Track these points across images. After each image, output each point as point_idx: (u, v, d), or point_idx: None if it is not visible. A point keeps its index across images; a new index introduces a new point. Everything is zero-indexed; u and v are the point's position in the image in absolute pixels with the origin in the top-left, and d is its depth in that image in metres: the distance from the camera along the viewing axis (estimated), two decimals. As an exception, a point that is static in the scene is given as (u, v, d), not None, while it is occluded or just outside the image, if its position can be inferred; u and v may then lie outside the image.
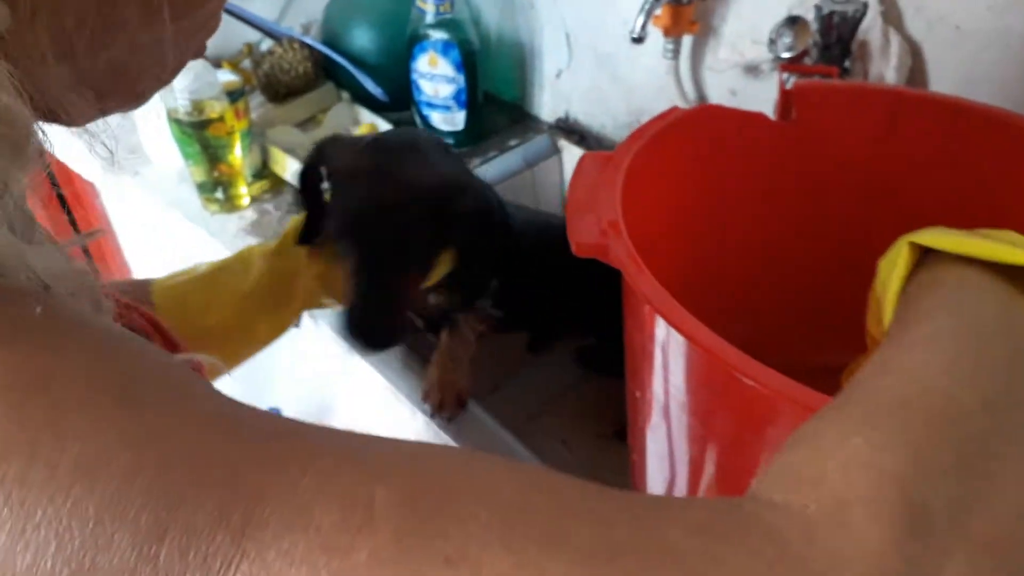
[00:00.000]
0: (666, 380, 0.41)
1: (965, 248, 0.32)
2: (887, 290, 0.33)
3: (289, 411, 1.45)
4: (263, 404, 1.39)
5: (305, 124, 1.01)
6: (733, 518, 0.22)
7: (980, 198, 0.52)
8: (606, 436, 0.69)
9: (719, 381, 0.37)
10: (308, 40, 1.00)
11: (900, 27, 0.67)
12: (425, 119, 0.97)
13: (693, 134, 0.50)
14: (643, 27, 0.74)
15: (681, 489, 0.46)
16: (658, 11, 0.75)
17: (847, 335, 0.60)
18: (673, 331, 0.36)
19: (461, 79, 0.93)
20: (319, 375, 1.03)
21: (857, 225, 0.55)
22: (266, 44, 1.08)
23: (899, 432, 0.24)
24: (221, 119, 0.85)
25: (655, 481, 0.50)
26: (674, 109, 0.50)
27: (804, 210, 0.55)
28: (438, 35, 0.90)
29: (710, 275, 0.54)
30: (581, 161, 0.45)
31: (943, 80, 0.66)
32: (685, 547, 0.20)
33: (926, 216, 0.54)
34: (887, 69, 0.67)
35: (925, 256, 0.34)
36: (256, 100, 1.00)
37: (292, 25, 1.12)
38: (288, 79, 0.98)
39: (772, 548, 0.21)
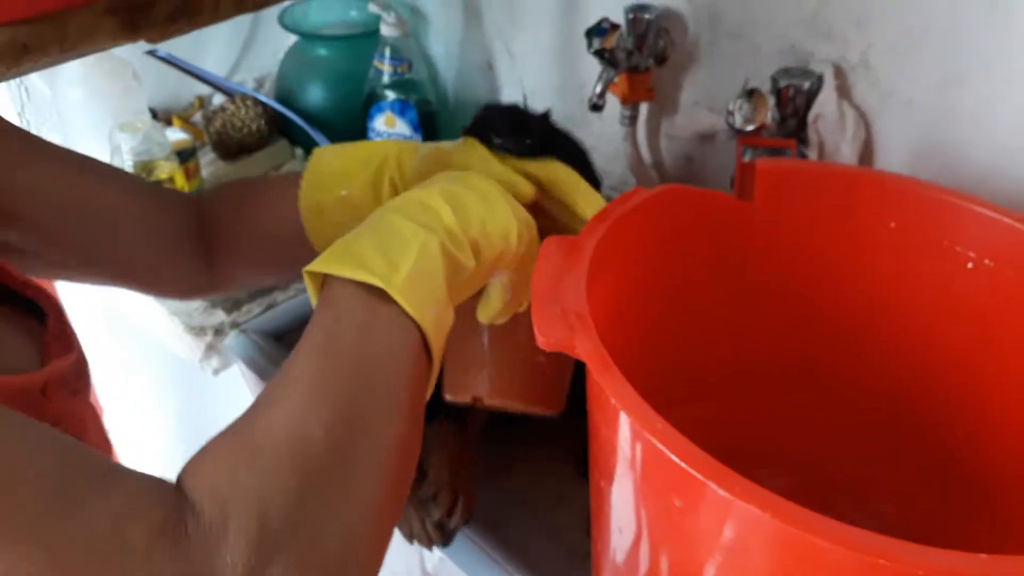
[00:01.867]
0: (632, 474, 0.40)
1: (319, 267, 0.40)
2: None
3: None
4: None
5: (258, 181, 0.99)
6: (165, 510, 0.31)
7: (928, 279, 0.52)
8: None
9: (686, 485, 0.36)
10: (262, 97, 0.98)
11: (854, 101, 0.68)
12: (381, 178, 0.95)
13: (656, 216, 0.50)
14: (601, 95, 0.74)
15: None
16: (616, 79, 0.75)
17: (817, 412, 0.60)
18: (639, 431, 0.35)
19: (419, 139, 0.92)
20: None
21: (818, 307, 0.56)
22: (218, 97, 1.06)
23: (267, 470, 0.33)
24: (171, 179, 0.83)
25: (612, 565, 0.48)
26: (637, 191, 0.49)
27: (767, 291, 0.55)
28: (395, 95, 0.90)
29: (676, 357, 0.53)
30: (545, 246, 0.44)
31: (896, 153, 0.68)
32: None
33: (880, 297, 0.55)
34: (842, 142, 0.69)
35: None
36: (207, 157, 0.98)
37: (245, 79, 1.11)
38: (241, 136, 0.96)
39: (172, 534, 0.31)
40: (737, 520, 0.34)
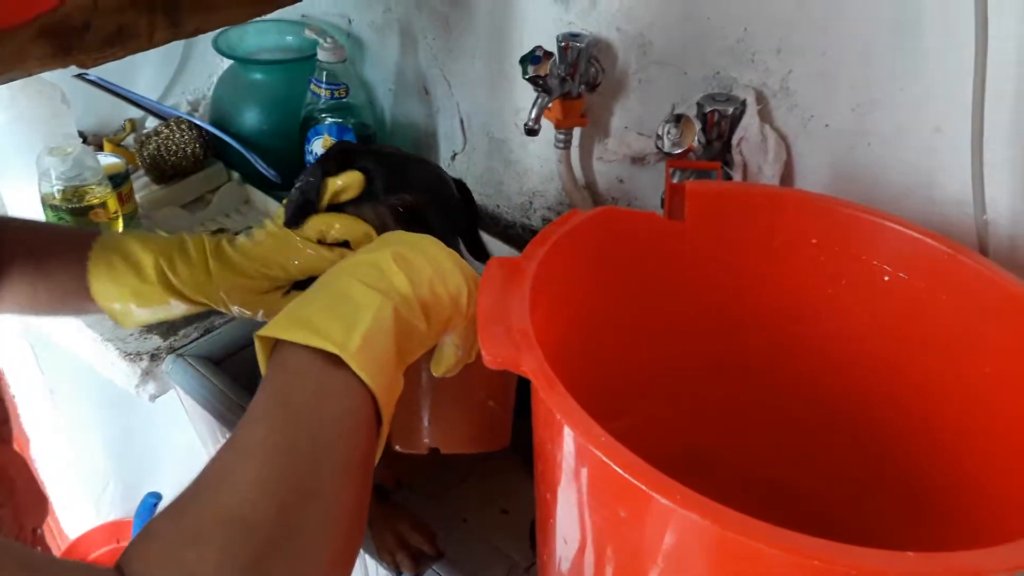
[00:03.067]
0: (578, 486, 0.42)
1: (272, 332, 0.40)
2: None
3: (170, 496, 1.37)
4: (142, 490, 1.31)
5: (192, 205, 0.98)
6: None
7: (848, 291, 0.55)
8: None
9: (631, 496, 0.37)
10: (197, 120, 0.98)
11: (775, 124, 0.71)
12: (319, 201, 0.96)
13: (592, 237, 0.51)
14: (536, 120, 0.76)
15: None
16: (550, 105, 0.77)
17: (750, 418, 0.63)
18: (584, 445, 0.37)
19: (356, 162, 0.92)
20: (200, 457, 0.97)
21: (747, 319, 0.58)
22: (151, 121, 1.05)
23: (218, 550, 0.33)
24: (103, 205, 0.82)
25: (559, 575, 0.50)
26: (574, 212, 0.51)
27: (699, 306, 0.58)
28: (333, 119, 0.90)
29: (614, 371, 0.55)
30: (488, 267, 0.46)
31: (815, 173, 0.71)
32: None
33: (805, 308, 0.58)
34: (765, 163, 0.72)
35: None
36: (141, 181, 0.97)
37: (178, 103, 1.10)
38: (175, 160, 0.95)
39: None
40: (680, 528, 0.36)
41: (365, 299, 0.41)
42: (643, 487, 0.35)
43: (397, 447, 0.55)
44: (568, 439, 0.40)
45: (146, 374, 0.80)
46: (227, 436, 0.73)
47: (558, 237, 0.49)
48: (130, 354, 0.80)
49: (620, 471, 0.35)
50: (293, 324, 0.40)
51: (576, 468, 0.41)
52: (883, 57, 0.63)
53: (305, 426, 0.38)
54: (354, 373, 0.39)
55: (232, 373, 0.79)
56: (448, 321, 0.46)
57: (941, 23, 0.59)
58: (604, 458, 0.36)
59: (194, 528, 0.34)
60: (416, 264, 0.44)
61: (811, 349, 0.58)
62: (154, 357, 0.80)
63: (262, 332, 0.40)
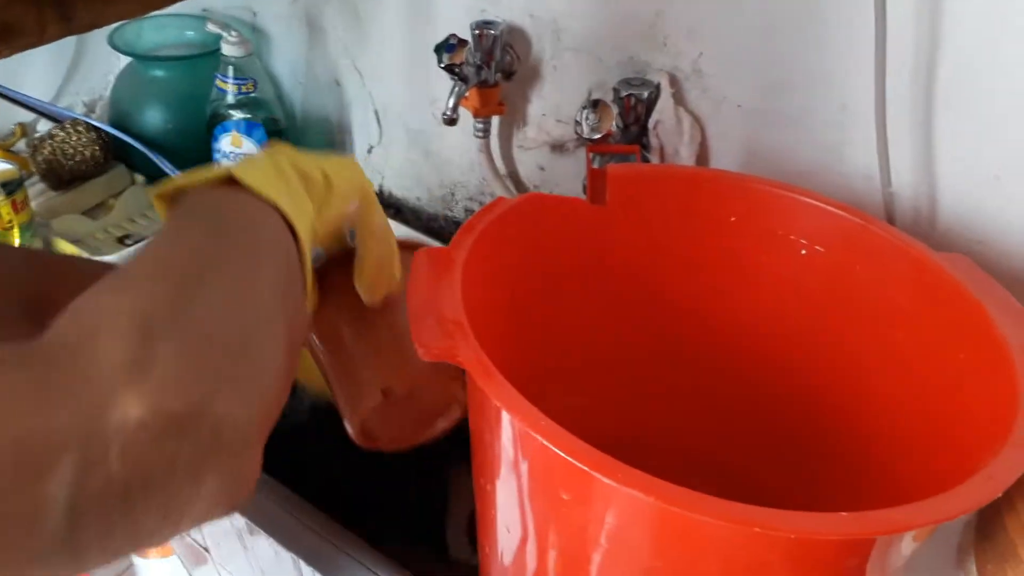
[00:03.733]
0: (518, 473, 0.42)
1: (162, 189, 0.40)
2: None
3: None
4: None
5: (94, 211, 0.93)
6: (21, 352, 0.28)
7: (768, 266, 0.57)
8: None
9: (573, 478, 0.37)
10: (95, 122, 0.93)
11: (689, 107, 0.73)
12: (232, 201, 0.93)
13: (519, 224, 0.51)
14: (454, 109, 0.75)
15: (528, 574, 0.47)
16: (467, 93, 0.77)
17: (680, 395, 0.64)
18: (525, 431, 0.37)
19: (269, 159, 0.90)
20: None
21: (673, 298, 0.59)
22: (44, 124, 0.99)
23: (141, 279, 0.31)
24: (-3, 214, 0.77)
25: (500, 567, 0.49)
26: (500, 200, 0.51)
27: (625, 287, 0.58)
28: (241, 115, 0.88)
29: (546, 356, 0.55)
30: (417, 258, 0.45)
31: (730, 153, 0.73)
32: None
33: (728, 285, 0.59)
34: (680, 145, 0.73)
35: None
36: (36, 187, 0.91)
37: (73, 104, 1.04)
38: (73, 164, 0.91)
39: (36, 370, 0.27)
40: (623, 506, 0.37)
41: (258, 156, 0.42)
42: (585, 468, 0.35)
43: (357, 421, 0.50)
44: (507, 426, 0.40)
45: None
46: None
47: (486, 225, 0.48)
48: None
49: (561, 453, 0.35)
50: (182, 177, 0.40)
51: (516, 455, 0.41)
52: (787, 38, 0.65)
53: (208, 216, 0.37)
54: (255, 193, 0.38)
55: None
56: (349, 193, 0.44)
57: (841, 3, 0.61)
58: (545, 442, 0.36)
59: (120, 275, 0.31)
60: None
61: (736, 325, 0.59)
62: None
63: (158, 191, 0.40)
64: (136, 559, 1.05)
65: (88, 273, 0.50)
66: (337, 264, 0.49)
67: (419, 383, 0.49)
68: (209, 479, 0.30)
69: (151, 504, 0.28)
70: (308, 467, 0.69)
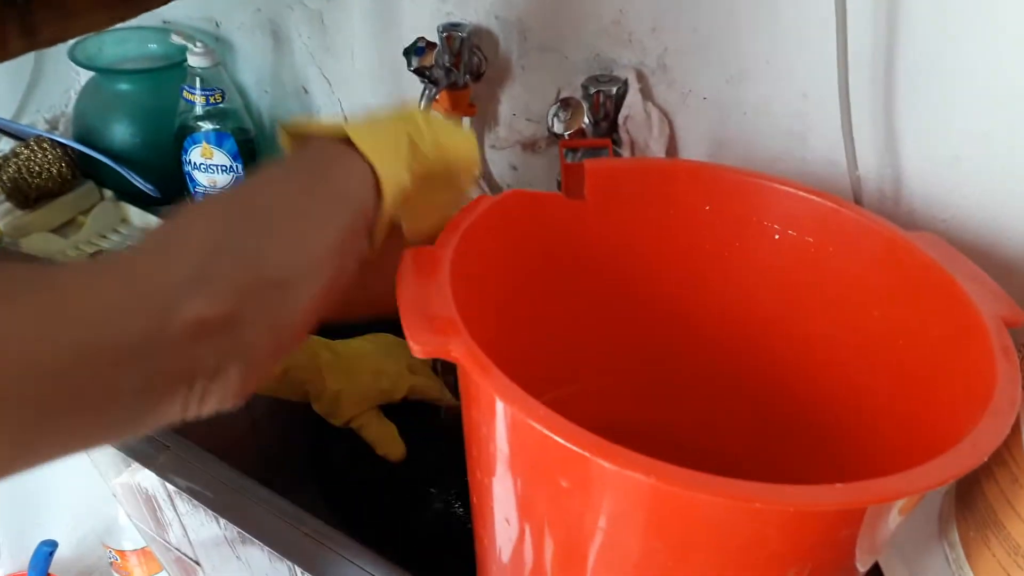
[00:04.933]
0: (516, 464, 0.42)
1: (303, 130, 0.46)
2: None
3: (67, 543, 1.29)
4: (34, 540, 1.23)
5: (64, 229, 0.92)
6: (111, 258, 0.36)
7: (743, 252, 0.59)
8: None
9: (572, 464, 0.38)
10: (59, 137, 0.92)
11: (657, 101, 0.74)
12: (203, 212, 0.92)
13: (503, 222, 0.52)
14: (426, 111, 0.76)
15: (527, 565, 0.47)
16: (437, 96, 0.77)
17: (664, 382, 0.65)
18: (522, 419, 0.38)
19: (239, 168, 0.90)
20: (97, 497, 0.93)
21: (652, 287, 0.60)
22: (5, 143, 0.98)
23: (219, 208, 0.39)
24: (-35, 235, 0.76)
25: (499, 561, 0.50)
26: (482, 198, 0.52)
27: (607, 279, 0.59)
28: (210, 126, 0.87)
29: (533, 349, 0.56)
30: (404, 258, 0.46)
31: (699, 144, 0.75)
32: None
33: (705, 272, 0.61)
34: (650, 139, 0.75)
35: None
36: (3, 207, 0.90)
37: (35, 121, 1.03)
38: (40, 182, 0.89)
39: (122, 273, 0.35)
40: (623, 489, 0.37)
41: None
42: (584, 453, 0.35)
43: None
44: (503, 417, 0.40)
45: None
46: (132, 465, 0.70)
47: (470, 223, 0.49)
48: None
49: (560, 440, 0.36)
50: (305, 123, 0.46)
51: (513, 445, 0.41)
52: (748, 30, 0.67)
53: (308, 172, 0.42)
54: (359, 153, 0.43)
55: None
56: (456, 159, 0.49)
57: (800, -6, 0.63)
58: (543, 429, 0.36)
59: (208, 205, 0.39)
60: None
61: (715, 311, 0.61)
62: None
63: (286, 124, 0.46)
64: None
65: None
66: None
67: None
68: (231, 371, 0.37)
69: (194, 385, 0.36)
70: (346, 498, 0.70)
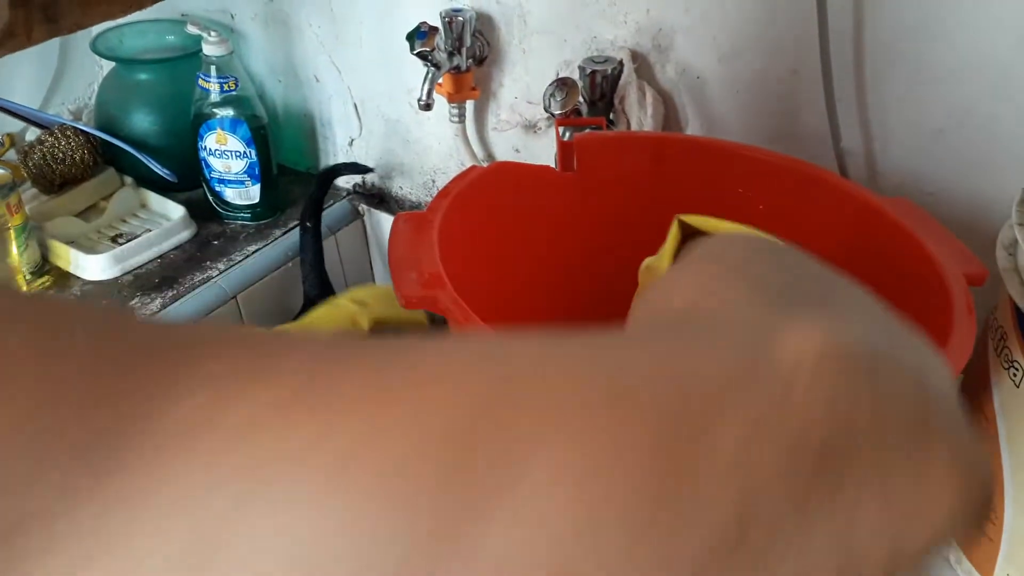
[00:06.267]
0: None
1: (716, 227, 0.37)
2: (660, 264, 0.38)
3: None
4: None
5: (87, 213, 0.96)
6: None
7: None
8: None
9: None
10: (82, 126, 0.96)
11: (652, 80, 0.76)
12: (219, 195, 0.96)
13: (491, 190, 0.55)
14: (428, 94, 0.79)
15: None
16: (440, 80, 0.80)
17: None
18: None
19: (253, 153, 0.93)
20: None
21: (641, 252, 0.63)
22: (31, 132, 1.02)
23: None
24: (-7, 217, 0.80)
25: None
26: (472, 168, 0.54)
27: (595, 247, 0.62)
28: (225, 112, 0.91)
29: (517, 310, 0.59)
30: (396, 222, 0.48)
31: (693, 121, 0.77)
32: None
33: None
34: (645, 117, 0.77)
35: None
36: (29, 192, 0.94)
37: (60, 111, 1.07)
38: (63, 168, 0.93)
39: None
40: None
41: None
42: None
43: None
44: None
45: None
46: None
47: (459, 190, 0.52)
48: None
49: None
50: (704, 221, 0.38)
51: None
52: (738, 8, 0.69)
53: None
54: None
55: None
56: None
57: (787, -27, 0.65)
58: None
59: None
60: None
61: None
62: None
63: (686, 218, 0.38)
64: None
65: None
66: None
67: None
68: (938, 447, 0.19)
69: (846, 480, 0.18)
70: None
